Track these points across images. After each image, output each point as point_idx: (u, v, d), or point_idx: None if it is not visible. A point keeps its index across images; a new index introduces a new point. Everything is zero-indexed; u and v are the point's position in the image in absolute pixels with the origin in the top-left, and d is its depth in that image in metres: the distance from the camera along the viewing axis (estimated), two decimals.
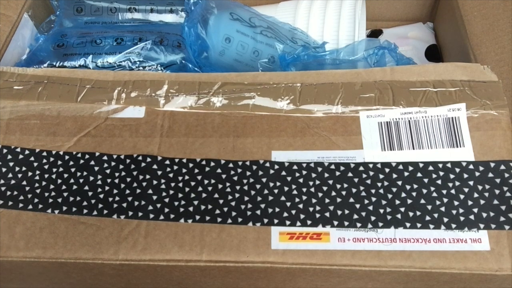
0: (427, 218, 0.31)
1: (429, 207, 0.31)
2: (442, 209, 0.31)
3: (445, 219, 0.30)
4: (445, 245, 0.30)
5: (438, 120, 0.33)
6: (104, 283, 0.32)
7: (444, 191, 0.31)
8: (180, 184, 0.33)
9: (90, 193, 0.33)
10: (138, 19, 0.43)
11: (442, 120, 0.33)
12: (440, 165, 0.32)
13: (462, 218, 0.30)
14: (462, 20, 0.41)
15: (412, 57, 0.41)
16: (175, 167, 0.34)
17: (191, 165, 0.34)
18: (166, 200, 0.32)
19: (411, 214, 0.31)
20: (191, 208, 0.32)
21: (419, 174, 0.32)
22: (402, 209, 0.31)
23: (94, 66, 0.41)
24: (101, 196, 0.33)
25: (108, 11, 0.42)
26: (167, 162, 0.34)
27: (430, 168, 0.32)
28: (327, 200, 0.32)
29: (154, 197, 0.33)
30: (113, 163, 0.34)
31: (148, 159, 0.34)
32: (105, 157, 0.34)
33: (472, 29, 0.40)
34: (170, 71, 0.40)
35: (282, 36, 0.41)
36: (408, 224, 0.31)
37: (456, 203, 0.31)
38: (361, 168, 0.33)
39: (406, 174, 0.32)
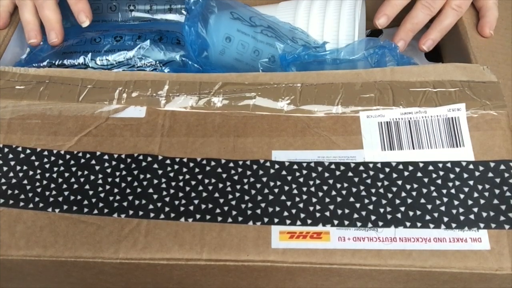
0: (427, 217, 0.31)
1: (429, 206, 0.31)
2: (442, 208, 0.31)
3: (445, 219, 0.31)
4: (445, 245, 0.30)
5: (438, 120, 0.33)
6: (104, 282, 0.32)
7: (444, 191, 0.31)
8: (181, 183, 0.33)
9: (90, 192, 0.33)
10: (138, 17, 0.43)
11: (442, 120, 0.33)
12: (440, 165, 0.32)
13: (462, 218, 0.30)
14: (462, 20, 0.41)
15: (412, 57, 0.41)
16: (176, 167, 0.34)
17: (191, 164, 0.34)
18: (167, 199, 0.32)
19: (411, 213, 0.31)
20: (191, 207, 0.32)
21: (419, 174, 0.32)
22: (402, 209, 0.31)
23: (93, 64, 0.41)
24: (102, 195, 0.33)
25: (108, 9, 0.42)
26: (168, 161, 0.34)
27: (430, 167, 0.32)
28: (327, 200, 0.32)
29: (155, 196, 0.33)
30: (114, 162, 0.34)
31: (149, 159, 0.34)
32: (106, 157, 0.34)
33: (472, 29, 0.40)
34: (170, 68, 0.41)
35: (282, 35, 0.41)
36: (408, 224, 0.31)
37: (456, 202, 0.31)
38: (361, 168, 0.33)
39: (406, 173, 0.32)
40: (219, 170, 0.33)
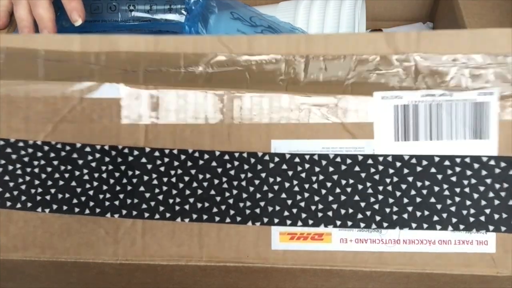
0: (435, 218, 0.29)
1: (439, 206, 0.29)
2: (452, 209, 0.29)
3: (454, 220, 0.29)
4: (450, 247, 0.29)
5: (465, 105, 0.29)
6: (104, 282, 0.33)
7: (457, 189, 0.29)
8: (173, 179, 0.31)
9: (78, 190, 0.31)
10: (137, 17, 0.42)
11: (469, 106, 0.29)
12: (458, 160, 0.29)
13: (471, 219, 0.29)
14: (462, 20, 0.40)
15: None
16: (166, 159, 0.31)
17: (183, 157, 0.31)
18: (160, 197, 0.31)
19: (418, 213, 0.29)
20: (187, 207, 0.30)
21: (432, 170, 0.29)
22: (410, 209, 0.29)
23: None
24: (91, 192, 0.31)
25: (108, 9, 0.41)
26: (157, 153, 0.31)
27: (446, 163, 0.29)
28: (330, 198, 0.30)
29: (147, 195, 0.31)
30: (97, 155, 0.31)
31: (136, 152, 0.31)
32: (87, 148, 0.31)
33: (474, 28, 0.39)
34: None
35: None
36: (414, 225, 0.29)
37: (468, 202, 0.29)
38: (370, 161, 0.30)
39: (418, 169, 0.29)
40: (214, 164, 0.30)
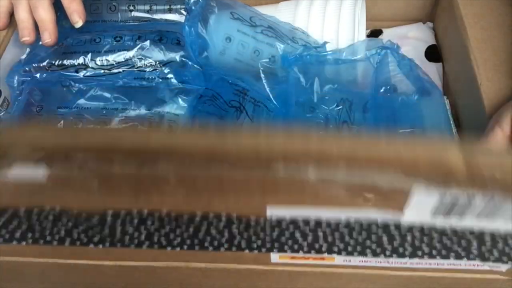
0: (451, 254, 0.27)
1: (459, 249, 0.26)
2: (475, 251, 0.26)
3: (471, 256, 0.27)
4: (459, 267, 0.28)
5: None
6: (104, 283, 0.32)
7: (489, 244, 0.25)
8: (151, 229, 0.26)
9: (46, 232, 0.27)
10: (137, 17, 0.41)
11: None
12: (502, 231, 0.23)
13: (492, 258, 0.26)
14: (462, 20, 0.40)
15: (412, 57, 0.39)
16: (136, 218, 0.25)
17: (156, 214, 0.25)
18: (142, 238, 0.27)
19: (434, 252, 0.26)
20: (175, 242, 0.27)
21: (469, 237, 0.24)
22: (426, 249, 0.26)
23: (93, 65, 0.40)
24: (62, 234, 0.27)
25: (108, 9, 0.41)
26: (122, 214, 0.25)
27: (487, 235, 0.24)
28: (337, 242, 0.26)
29: (126, 238, 0.27)
30: (50, 217, 0.25)
31: (96, 217, 0.25)
32: (35, 211, 0.25)
33: (472, 29, 0.38)
34: (169, 68, 0.40)
35: (282, 35, 0.39)
36: (426, 257, 0.27)
37: (495, 250, 0.26)
38: (392, 227, 0.24)
39: (451, 234, 0.24)
40: (197, 220, 0.25)
